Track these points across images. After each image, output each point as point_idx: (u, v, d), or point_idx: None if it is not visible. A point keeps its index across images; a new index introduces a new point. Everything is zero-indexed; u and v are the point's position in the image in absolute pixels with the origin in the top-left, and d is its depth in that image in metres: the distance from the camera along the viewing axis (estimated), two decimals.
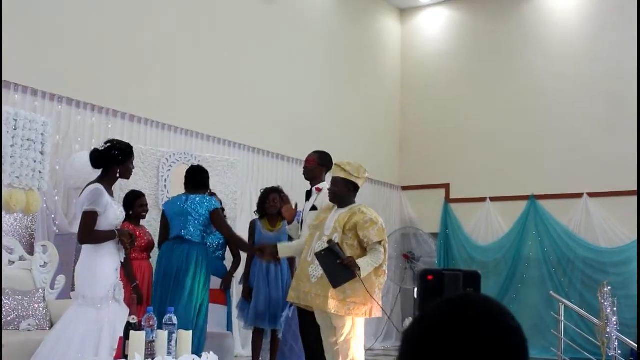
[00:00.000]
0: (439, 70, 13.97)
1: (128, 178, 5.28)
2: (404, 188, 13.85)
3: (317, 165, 5.92)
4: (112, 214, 4.93)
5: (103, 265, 4.85)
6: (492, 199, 12.99)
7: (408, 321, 13.46)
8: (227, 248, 6.98)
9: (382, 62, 13.95)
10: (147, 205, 7.02)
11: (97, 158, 5.02)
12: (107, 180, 5.00)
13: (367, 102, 13.19)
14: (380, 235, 5.13)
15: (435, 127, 13.74)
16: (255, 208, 7.15)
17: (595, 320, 7.88)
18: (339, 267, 4.99)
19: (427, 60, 14.14)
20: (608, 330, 6.90)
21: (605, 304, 6.94)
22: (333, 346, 5.30)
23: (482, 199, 13.06)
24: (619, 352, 7.91)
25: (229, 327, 6.69)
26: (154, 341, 3.88)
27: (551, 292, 9.89)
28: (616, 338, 7.22)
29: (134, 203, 6.93)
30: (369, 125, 13.13)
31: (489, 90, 13.34)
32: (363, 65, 13.28)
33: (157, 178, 7.97)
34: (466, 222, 13.21)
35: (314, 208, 5.75)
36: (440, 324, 1.39)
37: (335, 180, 5.36)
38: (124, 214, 5.29)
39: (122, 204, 6.93)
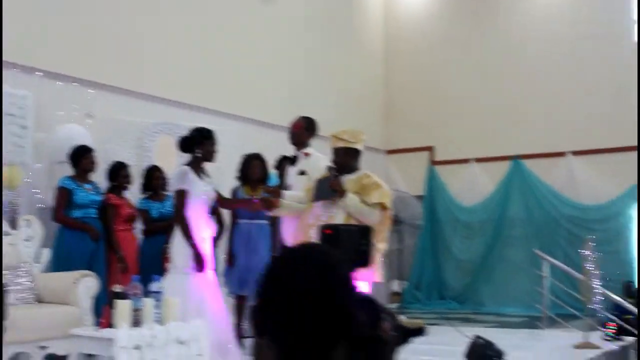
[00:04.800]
0: (422, 33, 13.93)
1: (211, 160, 5.76)
2: (389, 152, 13.88)
3: (304, 130, 5.94)
4: (199, 190, 5.46)
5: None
6: (477, 160, 13.05)
7: (396, 283, 13.63)
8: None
9: (365, 26, 13.88)
10: (130, 176, 7.04)
11: (182, 142, 5.64)
12: (193, 163, 5.58)
13: (351, 67, 13.15)
14: (380, 198, 5.19)
15: (419, 90, 13.74)
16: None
17: (579, 276, 7.98)
18: (324, 185, 5.20)
19: (411, 24, 14.09)
20: (592, 285, 6.98)
21: (589, 259, 7.02)
22: None
23: (467, 161, 13.12)
24: (602, 307, 8.03)
25: None
26: (140, 309, 3.92)
27: (535, 250, 9.98)
28: (601, 292, 7.32)
29: (118, 174, 6.96)
30: (353, 90, 13.10)
31: (472, 52, 13.33)
32: (346, 30, 13.21)
33: (140, 148, 7.98)
34: (451, 184, 13.29)
35: (302, 173, 5.78)
36: (268, 275, 1.55)
37: (337, 151, 5.40)
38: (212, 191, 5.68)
39: (106, 175, 6.97)
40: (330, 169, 5.30)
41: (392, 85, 14.02)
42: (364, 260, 4.16)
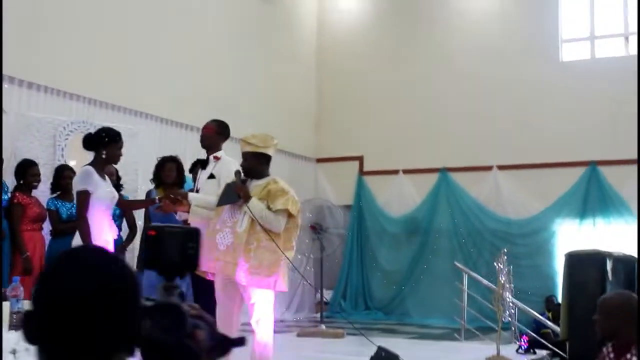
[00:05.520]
0: (355, 43, 13.91)
1: (115, 163, 5.60)
2: (319, 160, 13.82)
3: (215, 133, 5.83)
4: (102, 192, 5.24)
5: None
6: (405, 172, 13.07)
7: (324, 292, 13.53)
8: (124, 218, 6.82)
9: (297, 35, 13.80)
10: (39, 175, 6.80)
11: (86, 141, 5.41)
12: (97, 163, 5.33)
13: (282, 74, 13.03)
14: (285, 204, 5.08)
15: (350, 99, 13.71)
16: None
17: (494, 287, 8.00)
18: (230, 190, 5.11)
19: (343, 34, 14.07)
20: (504, 297, 7.01)
21: (502, 271, 7.04)
22: (232, 316, 5.25)
23: (395, 172, 13.13)
24: (513, 319, 8.08)
25: None
26: (20, 312, 3.74)
27: (455, 262, 10.01)
28: (512, 304, 7.35)
29: (26, 172, 6.71)
30: (283, 97, 12.98)
31: (404, 63, 13.36)
32: (277, 38, 13.10)
33: (53, 147, 7.73)
34: (379, 194, 13.28)
35: (211, 177, 5.66)
36: (42, 279, 1.42)
37: (245, 156, 5.30)
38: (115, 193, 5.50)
39: (14, 173, 6.72)
40: (237, 173, 5.19)
41: (324, 94, 13.96)
42: (189, 264, 4.00)
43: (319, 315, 12.85)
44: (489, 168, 12.41)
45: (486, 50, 12.75)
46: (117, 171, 6.69)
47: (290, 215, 5.13)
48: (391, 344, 8.66)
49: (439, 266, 12.42)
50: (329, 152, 13.74)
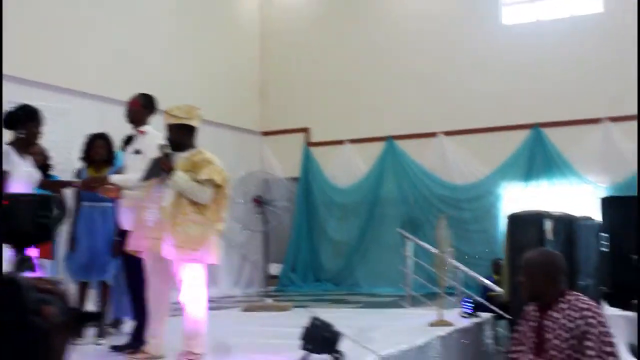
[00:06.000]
0: (299, 14, 13.74)
1: (34, 142, 5.27)
2: (265, 133, 13.66)
3: (141, 107, 5.61)
4: (21, 172, 4.97)
5: None
6: (351, 142, 12.98)
7: (274, 266, 13.44)
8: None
9: (239, 5, 13.56)
10: None
11: (6, 119, 5.13)
12: (16, 142, 5.06)
13: (224, 46, 12.81)
14: (210, 174, 4.92)
15: (295, 71, 13.57)
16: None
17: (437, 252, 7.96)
18: (155, 164, 4.97)
19: (287, 4, 13.87)
20: (446, 262, 6.97)
21: (443, 236, 6.99)
22: (162, 294, 5.10)
23: (341, 142, 13.05)
24: (457, 283, 8.05)
25: None
26: None
27: (398, 229, 9.97)
28: (455, 268, 7.32)
29: None
30: (226, 71, 12.78)
31: (348, 34, 13.24)
32: (219, 9, 12.85)
33: None
34: (326, 165, 13.21)
35: (137, 152, 5.47)
36: None
37: (169, 128, 5.13)
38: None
39: None
40: (161, 147, 5.02)
41: (267, 66, 13.78)
42: (43, 233, 3.84)
43: (270, 289, 12.80)
44: (434, 134, 12.38)
45: (428, 16, 12.68)
46: (44, 150, 6.45)
47: (218, 186, 4.97)
48: (337, 313, 8.62)
49: (388, 235, 12.39)
50: (275, 125, 13.59)
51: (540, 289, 3.92)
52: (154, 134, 5.53)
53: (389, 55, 12.84)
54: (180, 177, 4.87)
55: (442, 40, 12.46)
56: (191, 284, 4.99)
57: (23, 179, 5.05)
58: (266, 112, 13.68)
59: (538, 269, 3.92)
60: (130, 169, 5.51)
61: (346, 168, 13.05)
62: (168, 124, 5.10)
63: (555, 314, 3.85)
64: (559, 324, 3.81)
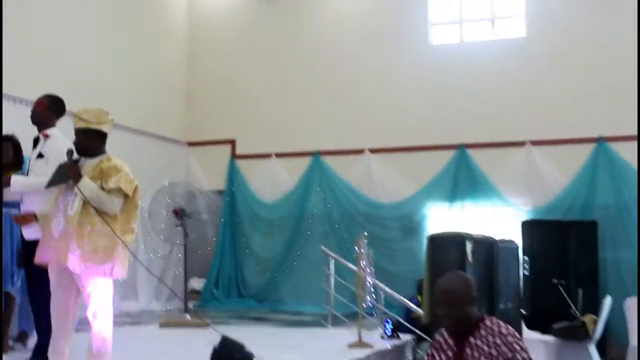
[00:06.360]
0: (229, 22, 13.54)
1: None
2: (190, 144, 13.39)
3: (46, 109, 5.38)
4: None
5: None
6: (278, 155, 12.83)
7: (197, 280, 13.11)
8: None
9: (166, 9, 13.26)
10: None
11: None
12: None
13: (151, 52, 12.49)
14: (117, 183, 4.69)
15: (223, 81, 13.34)
16: None
17: (360, 273, 7.86)
18: (61, 170, 4.76)
19: (217, 12, 13.66)
20: (365, 282, 6.86)
21: (362, 255, 6.89)
22: (67, 309, 4.84)
23: (268, 155, 12.87)
24: (374, 304, 7.95)
25: None
26: None
27: (322, 246, 9.86)
28: (374, 288, 7.22)
29: None
30: (152, 78, 12.45)
31: (277, 46, 13.09)
32: (144, 11, 12.54)
33: None
34: (252, 179, 13.00)
35: (40, 156, 5.20)
36: None
37: (77, 132, 4.89)
38: None
39: None
40: (68, 152, 4.78)
41: (195, 73, 13.52)
42: None
43: (191, 304, 12.49)
44: (361, 151, 12.32)
45: (358, 33, 12.64)
46: None
47: (127, 195, 4.75)
48: (257, 332, 8.46)
49: (312, 252, 12.20)
50: (201, 135, 13.33)
51: (464, 316, 3.72)
52: (58, 138, 5.29)
53: (318, 70, 12.75)
54: (86, 184, 4.63)
55: (372, 57, 12.42)
56: (99, 299, 4.75)
57: None
58: (192, 121, 13.40)
59: (460, 295, 3.73)
60: (33, 174, 5.26)
61: (272, 182, 12.84)
62: (76, 127, 4.86)
63: (476, 341, 3.68)
64: (481, 351, 3.65)
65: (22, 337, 6.46)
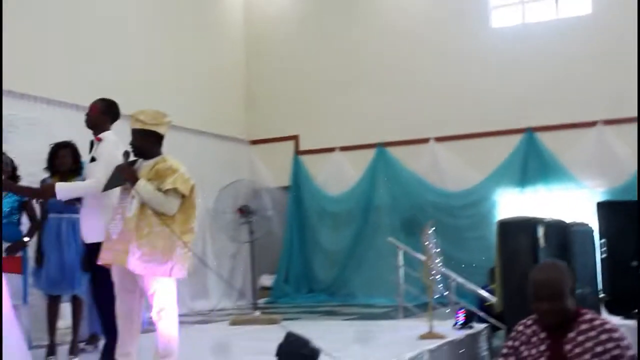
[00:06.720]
0: (285, 17, 13.50)
1: None
2: (253, 142, 13.40)
3: (100, 113, 5.34)
4: None
5: None
6: (342, 149, 12.73)
7: (267, 277, 13.13)
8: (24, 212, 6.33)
9: (224, 10, 13.30)
10: None
11: None
12: None
13: (209, 53, 12.54)
14: (173, 183, 4.65)
15: (282, 77, 13.31)
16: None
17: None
18: (117, 172, 4.76)
19: (273, 7, 13.63)
20: (433, 271, 6.68)
21: (429, 244, 6.71)
22: (132, 310, 4.83)
23: (332, 149, 12.78)
24: (444, 293, 7.76)
25: (26, 297, 6.07)
26: None
27: (389, 238, 9.70)
28: (442, 277, 7.03)
29: None
30: (212, 78, 12.50)
31: (336, 38, 12.99)
32: (203, 12, 12.59)
33: None
34: (316, 174, 12.95)
35: (93, 160, 5.20)
36: None
37: (133, 133, 4.87)
38: None
39: None
40: (124, 154, 4.76)
41: (253, 72, 13.52)
42: None
43: (262, 301, 12.51)
44: (426, 140, 12.11)
45: (419, 20, 12.45)
46: (12, 161, 6.19)
47: (184, 195, 4.70)
48: (327, 325, 8.38)
49: (381, 244, 12.05)
50: (263, 133, 13.33)
51: (565, 309, 3.32)
52: (111, 141, 5.26)
53: (379, 61, 12.58)
54: (143, 186, 4.60)
55: (433, 44, 12.21)
56: (162, 299, 4.72)
57: None
58: (254, 119, 13.41)
59: (562, 287, 3.32)
60: (87, 178, 5.25)
61: (337, 176, 12.75)
62: (133, 128, 4.84)
63: (576, 337, 3.30)
64: (585, 348, 3.27)
65: (93, 339, 6.50)
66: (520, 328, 3.50)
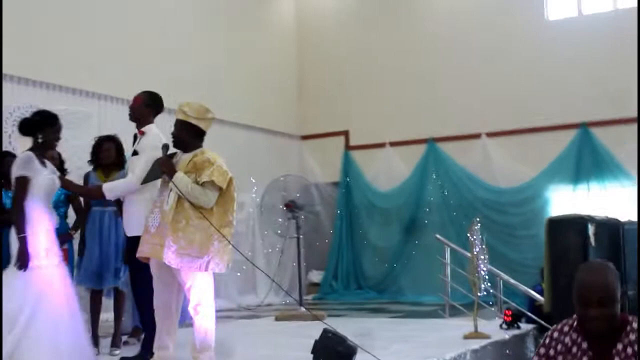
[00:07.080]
0: (335, 13, 13.46)
1: (53, 148, 5.12)
2: (303, 137, 13.38)
3: (143, 105, 5.33)
4: (42, 179, 4.82)
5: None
6: (392, 144, 12.63)
7: (316, 273, 13.10)
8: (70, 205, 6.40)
9: (275, 7, 13.30)
10: None
11: (22, 125, 4.97)
12: (36, 149, 4.89)
13: (260, 50, 12.55)
14: (210, 175, 4.62)
15: (333, 73, 13.27)
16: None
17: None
18: (155, 166, 4.78)
19: (325, 3, 13.59)
20: (478, 269, 6.53)
21: (476, 242, 6.55)
22: (170, 303, 4.83)
23: (382, 145, 12.68)
24: (490, 291, 7.59)
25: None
26: None
27: (437, 235, 9.55)
28: (488, 276, 6.87)
29: None
30: (263, 75, 12.52)
31: (386, 33, 12.88)
32: (253, 9, 12.62)
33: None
34: (367, 169, 12.88)
35: (135, 153, 5.21)
36: None
37: (176, 123, 4.87)
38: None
39: None
40: (163, 147, 4.75)
41: (304, 68, 13.51)
42: None
43: (310, 297, 12.49)
44: (478, 136, 11.93)
45: (470, 14, 12.27)
46: (59, 155, 6.25)
47: (222, 188, 4.67)
48: (373, 323, 8.29)
49: (431, 241, 11.90)
50: (313, 128, 13.31)
51: (615, 315, 2.97)
52: (154, 134, 5.25)
53: (430, 55, 12.44)
54: (181, 179, 4.59)
55: (485, 38, 12.00)
56: (199, 293, 4.70)
57: (44, 186, 4.85)
58: (304, 115, 13.40)
59: (614, 291, 2.96)
60: (130, 171, 5.26)
61: (387, 171, 12.66)
62: (177, 118, 4.84)
63: (625, 349, 2.94)
64: None
65: (136, 332, 6.53)
66: (556, 335, 3.13)
